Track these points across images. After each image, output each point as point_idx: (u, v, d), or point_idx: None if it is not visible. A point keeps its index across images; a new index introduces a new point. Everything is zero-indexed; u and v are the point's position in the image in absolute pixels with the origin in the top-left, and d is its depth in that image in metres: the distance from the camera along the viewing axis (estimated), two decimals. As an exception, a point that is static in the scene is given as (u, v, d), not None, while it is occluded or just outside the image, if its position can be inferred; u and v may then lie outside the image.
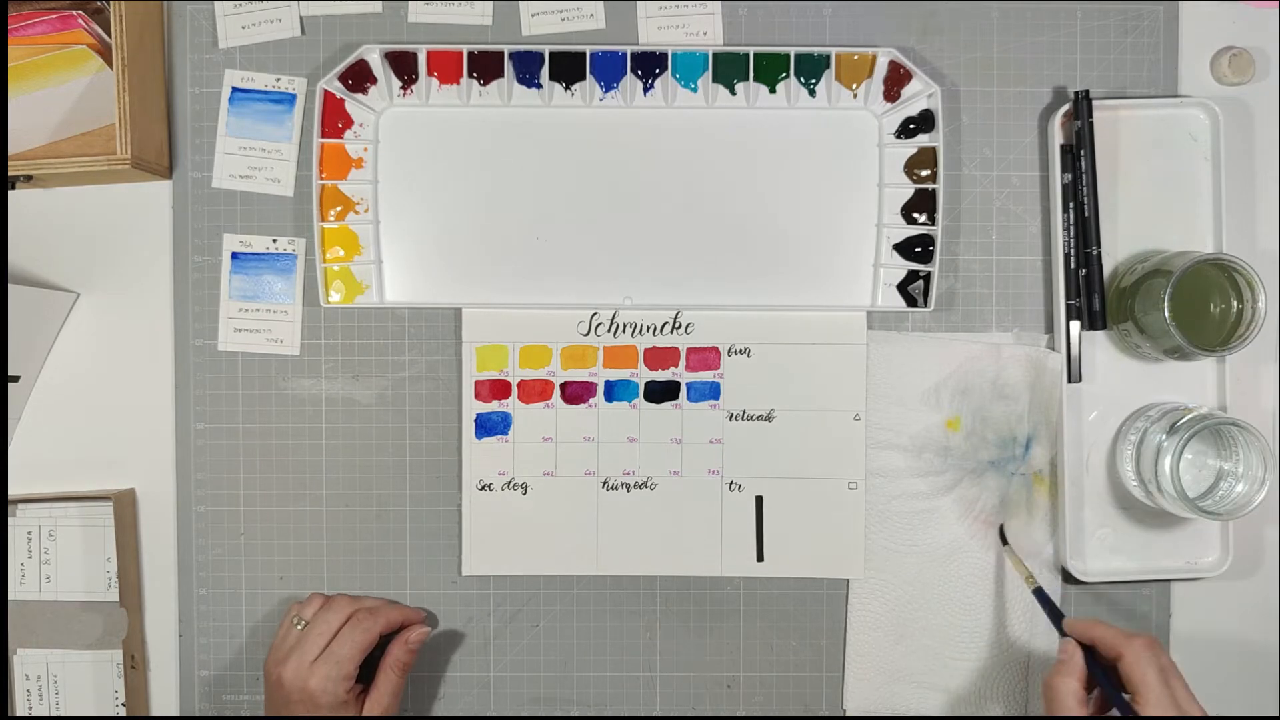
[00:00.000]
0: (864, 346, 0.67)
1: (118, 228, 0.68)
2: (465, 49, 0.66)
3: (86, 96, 0.64)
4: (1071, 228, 0.66)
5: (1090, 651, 0.58)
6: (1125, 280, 0.66)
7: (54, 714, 0.68)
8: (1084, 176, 0.65)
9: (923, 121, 0.67)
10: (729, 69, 0.67)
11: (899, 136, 0.67)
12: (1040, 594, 0.63)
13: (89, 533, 0.68)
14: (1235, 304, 0.63)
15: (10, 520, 0.67)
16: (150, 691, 0.68)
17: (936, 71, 0.67)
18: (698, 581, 0.68)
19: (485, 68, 0.67)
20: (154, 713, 0.68)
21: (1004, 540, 0.66)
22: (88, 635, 0.68)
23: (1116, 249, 0.67)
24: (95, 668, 0.68)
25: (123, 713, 0.67)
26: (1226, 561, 0.67)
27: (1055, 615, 0.61)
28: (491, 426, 0.67)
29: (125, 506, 0.67)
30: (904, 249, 0.67)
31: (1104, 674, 0.57)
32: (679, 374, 0.67)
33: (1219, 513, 0.63)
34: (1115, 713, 0.56)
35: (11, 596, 0.68)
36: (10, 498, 0.67)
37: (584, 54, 0.66)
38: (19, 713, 0.67)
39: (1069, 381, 0.66)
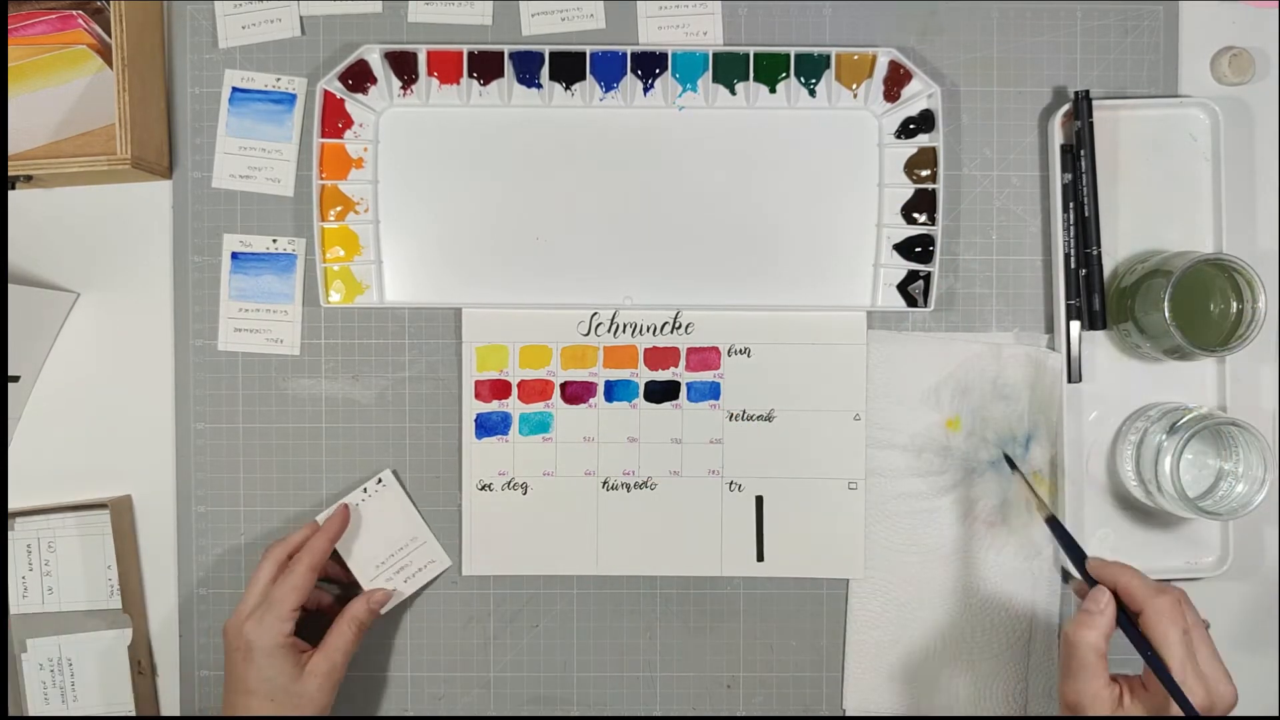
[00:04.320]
0: (864, 346, 0.67)
1: (118, 228, 0.68)
2: (465, 49, 0.66)
3: (86, 96, 0.64)
4: (1071, 228, 0.66)
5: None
6: (1125, 280, 0.66)
7: (54, 715, 0.68)
8: (1084, 176, 0.65)
9: (923, 121, 0.67)
10: (729, 69, 0.67)
11: (899, 136, 0.67)
12: (1054, 523, 0.59)
13: (88, 542, 0.68)
14: (1235, 304, 0.63)
15: (9, 534, 0.67)
16: (159, 696, 0.68)
17: (936, 71, 0.67)
18: (698, 581, 0.68)
19: (485, 68, 0.67)
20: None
21: (1012, 465, 0.64)
22: (93, 644, 0.68)
23: (1116, 249, 0.67)
24: (105, 660, 0.68)
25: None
26: (1226, 561, 0.67)
27: (1074, 551, 0.57)
28: (491, 426, 0.67)
29: (122, 513, 0.67)
30: (904, 249, 0.67)
31: (1132, 628, 0.53)
32: (679, 374, 0.67)
33: (1219, 513, 0.63)
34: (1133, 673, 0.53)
35: (15, 610, 0.68)
36: (9, 511, 0.67)
37: (584, 54, 0.66)
38: (32, 699, 0.67)
39: (1069, 381, 0.66)
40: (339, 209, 0.67)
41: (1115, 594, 0.54)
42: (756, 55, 0.66)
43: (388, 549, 0.66)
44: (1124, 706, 0.53)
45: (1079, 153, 0.66)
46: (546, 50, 0.66)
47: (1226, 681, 0.53)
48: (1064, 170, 0.66)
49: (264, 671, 0.59)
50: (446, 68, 0.67)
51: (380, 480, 0.66)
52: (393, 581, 0.66)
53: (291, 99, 0.68)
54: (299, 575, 0.61)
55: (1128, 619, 0.54)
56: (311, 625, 0.63)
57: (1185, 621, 0.53)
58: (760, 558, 0.67)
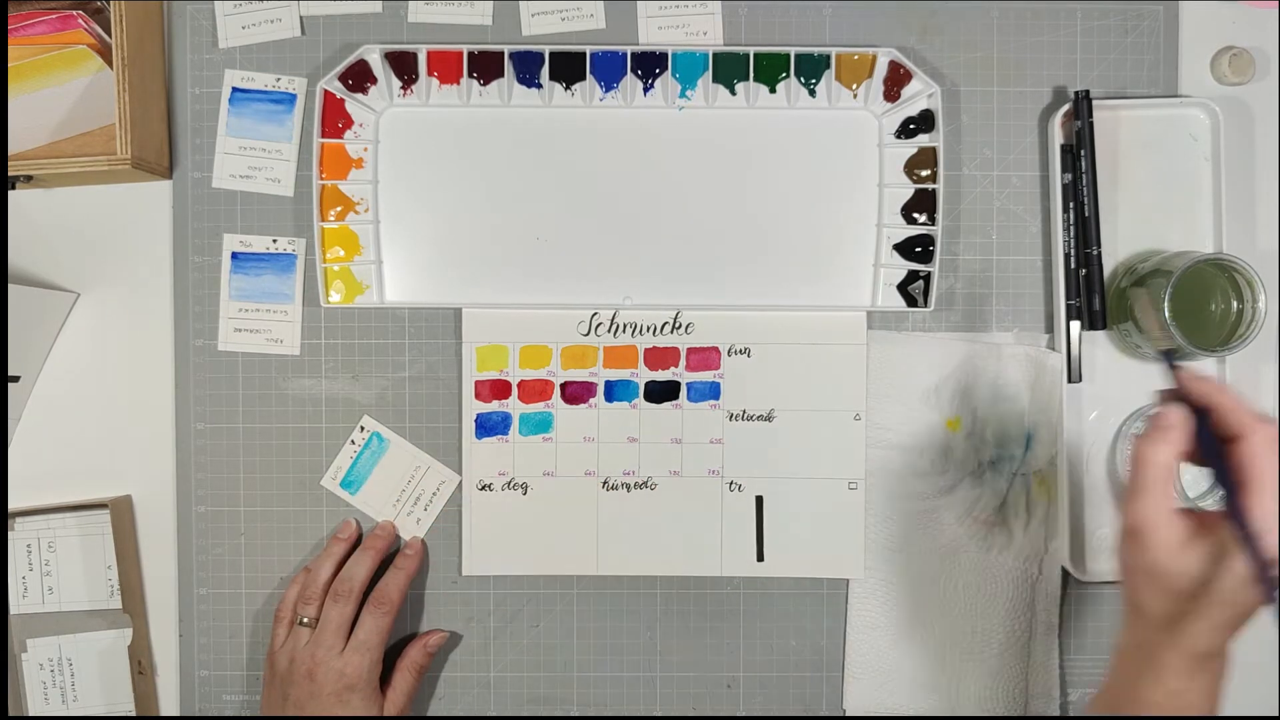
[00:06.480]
0: (864, 346, 0.67)
1: (118, 228, 0.68)
2: (465, 49, 0.66)
3: (86, 96, 0.64)
4: (1071, 228, 0.66)
5: (1200, 422, 0.48)
6: (1125, 280, 0.66)
7: (54, 715, 0.68)
8: (1084, 176, 0.65)
9: (923, 121, 0.67)
10: (729, 69, 0.67)
11: (899, 136, 0.67)
12: (1168, 354, 0.52)
13: (88, 542, 0.68)
14: (1235, 304, 0.63)
15: (9, 534, 0.67)
16: (159, 696, 0.68)
17: (936, 71, 0.67)
18: (698, 581, 0.68)
19: (485, 68, 0.67)
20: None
21: (1170, 363, 0.52)
22: (93, 644, 0.68)
23: (1116, 249, 0.67)
24: (105, 660, 0.68)
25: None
26: (1226, 561, 0.67)
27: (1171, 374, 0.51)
28: (492, 427, 0.67)
29: (122, 513, 0.67)
30: (904, 249, 0.67)
31: (1216, 454, 0.47)
32: (679, 374, 0.67)
33: (1219, 513, 0.63)
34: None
35: (15, 610, 0.68)
36: (9, 511, 0.67)
37: (584, 54, 0.66)
38: (32, 699, 0.67)
39: (1069, 381, 0.66)
40: (339, 209, 0.67)
41: (1208, 413, 0.48)
42: (756, 55, 0.66)
43: (398, 485, 0.67)
44: (1187, 543, 0.47)
45: (1079, 153, 0.66)
46: (546, 50, 0.66)
47: None
48: (1064, 170, 0.66)
49: (353, 709, 0.61)
50: (446, 68, 0.67)
51: (362, 428, 0.67)
52: (414, 513, 0.67)
53: (291, 99, 0.68)
54: (387, 618, 0.63)
55: (1214, 445, 0.47)
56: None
57: None
58: (760, 558, 0.67)
